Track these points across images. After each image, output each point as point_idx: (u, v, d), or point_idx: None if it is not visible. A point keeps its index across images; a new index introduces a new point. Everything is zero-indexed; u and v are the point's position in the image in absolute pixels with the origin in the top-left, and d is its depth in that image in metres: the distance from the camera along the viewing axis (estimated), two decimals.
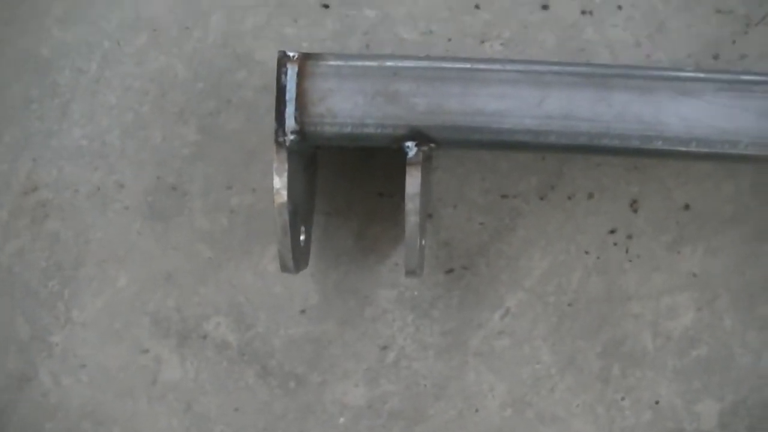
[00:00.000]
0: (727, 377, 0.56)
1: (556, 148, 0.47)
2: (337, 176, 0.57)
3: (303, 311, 0.57)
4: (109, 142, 0.58)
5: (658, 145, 0.46)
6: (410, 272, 0.49)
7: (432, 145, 0.48)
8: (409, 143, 0.48)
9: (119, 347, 0.58)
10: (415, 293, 0.57)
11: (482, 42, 0.56)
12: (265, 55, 0.57)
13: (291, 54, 0.48)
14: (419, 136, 0.47)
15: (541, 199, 0.56)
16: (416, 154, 0.47)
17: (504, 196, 0.56)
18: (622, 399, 0.56)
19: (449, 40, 0.56)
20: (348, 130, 0.48)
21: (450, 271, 0.57)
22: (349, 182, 0.57)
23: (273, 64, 0.48)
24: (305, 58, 0.48)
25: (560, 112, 0.46)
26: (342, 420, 0.57)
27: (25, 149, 0.58)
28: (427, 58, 0.48)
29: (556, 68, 0.47)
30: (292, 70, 0.47)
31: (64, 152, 0.58)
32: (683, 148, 0.46)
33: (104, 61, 0.57)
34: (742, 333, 0.55)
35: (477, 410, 0.57)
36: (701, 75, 0.46)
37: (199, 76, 0.57)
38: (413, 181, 0.47)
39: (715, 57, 0.55)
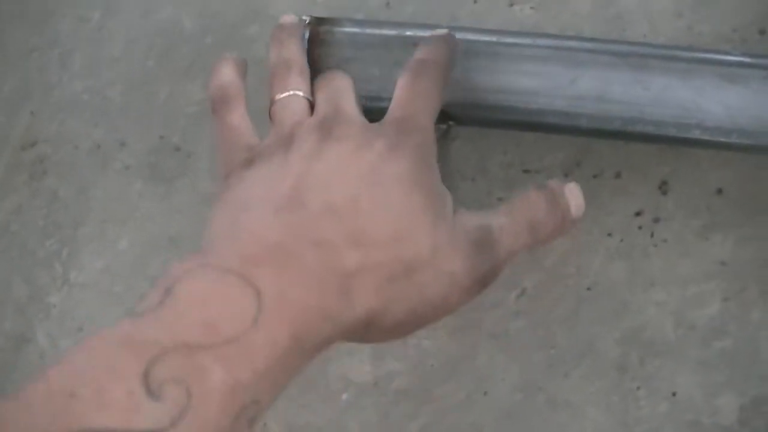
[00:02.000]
0: (751, 372, 0.53)
1: (586, 131, 0.44)
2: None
3: None
4: (110, 97, 0.55)
5: (697, 134, 0.43)
6: None
7: (451, 122, 0.44)
8: None
9: (118, 311, 0.56)
10: None
11: (511, 5, 0.52)
12: (279, 8, 0.54)
13: (303, 18, 0.44)
14: (438, 112, 0.44)
15: (566, 175, 0.53)
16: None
17: (526, 171, 0.53)
18: (638, 388, 0.54)
19: (475, 1, 0.52)
20: (362, 102, 0.44)
21: None
22: None
23: None
24: (318, 24, 0.44)
25: (593, 93, 0.43)
26: (345, 396, 0.56)
27: (24, 101, 0.55)
28: (451, 28, 0.44)
29: (590, 45, 0.43)
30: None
31: (64, 106, 0.55)
32: (723, 139, 0.43)
33: (108, 10, 0.54)
34: None
35: (486, 393, 0.55)
36: (748, 60, 0.42)
37: (208, 29, 0.54)
38: None
39: (762, 32, 0.51)
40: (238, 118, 0.41)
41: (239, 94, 0.42)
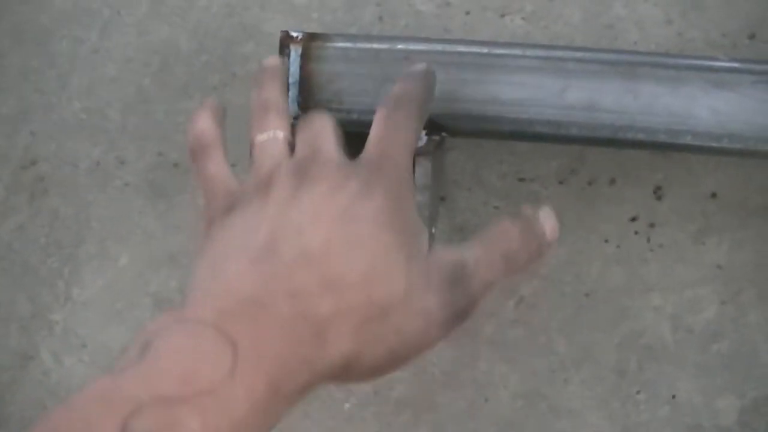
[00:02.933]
0: (750, 374, 0.53)
1: (577, 140, 0.44)
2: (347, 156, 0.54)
3: None
4: (109, 116, 0.55)
5: (687, 140, 0.43)
6: None
7: (443, 134, 0.45)
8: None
9: (121, 328, 0.56)
10: None
11: (503, 16, 0.52)
12: (272, 26, 0.54)
13: (294, 34, 0.45)
14: (430, 124, 0.45)
15: (561, 183, 0.53)
16: (427, 143, 0.45)
17: (521, 180, 0.54)
18: (638, 393, 0.54)
19: (467, 13, 0.52)
20: (355, 116, 0.45)
21: None
22: None
23: None
24: (310, 39, 0.45)
25: (583, 102, 0.43)
26: (347, 406, 0.56)
27: (23, 121, 0.56)
28: (441, 41, 0.45)
29: (579, 55, 0.44)
30: (295, 52, 0.45)
31: (63, 125, 0.55)
32: (715, 144, 0.43)
33: (104, 30, 0.55)
34: (767, 329, 0.53)
35: (487, 400, 0.55)
36: (737, 65, 0.43)
37: (204, 48, 0.55)
38: (423, 172, 0.45)
39: (751, 37, 0.51)
40: (215, 165, 0.41)
41: (216, 141, 0.41)
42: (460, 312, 0.37)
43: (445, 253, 0.38)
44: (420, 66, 0.42)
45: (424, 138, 0.45)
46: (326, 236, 0.35)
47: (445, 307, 0.36)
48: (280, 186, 0.37)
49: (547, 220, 0.40)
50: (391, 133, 0.39)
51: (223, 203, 0.39)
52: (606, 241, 0.54)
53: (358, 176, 0.37)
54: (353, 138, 0.53)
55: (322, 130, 0.40)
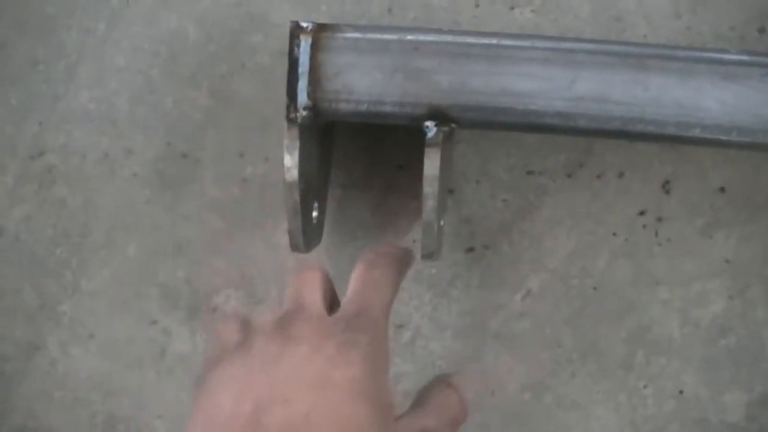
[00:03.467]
0: (757, 368, 0.53)
1: (586, 132, 0.44)
2: (355, 147, 0.54)
3: None
4: (117, 106, 0.55)
5: (696, 132, 0.43)
6: (427, 256, 0.47)
7: (453, 125, 0.45)
8: (429, 123, 0.45)
9: (128, 318, 0.56)
10: (433, 271, 0.55)
11: (512, 8, 0.52)
12: (281, 17, 0.54)
13: (304, 24, 0.45)
14: (440, 115, 0.44)
15: (569, 176, 0.53)
16: (436, 134, 0.45)
17: (530, 173, 0.54)
18: (645, 387, 0.54)
19: (477, 5, 0.52)
20: (364, 107, 0.45)
21: (470, 249, 0.54)
22: (367, 153, 0.54)
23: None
24: (320, 30, 0.45)
25: (592, 94, 0.43)
26: None
27: (31, 112, 0.56)
28: (451, 32, 0.45)
29: (589, 46, 0.43)
30: (305, 42, 0.44)
31: (71, 116, 0.55)
32: (723, 137, 0.43)
33: (112, 20, 0.55)
34: None
35: (493, 393, 0.55)
36: (747, 58, 0.42)
37: (212, 38, 0.54)
38: (432, 164, 0.45)
39: (761, 30, 0.51)
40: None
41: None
42: None
43: (410, 423, 0.41)
44: (399, 246, 0.47)
45: (434, 129, 0.45)
46: (308, 407, 0.37)
47: None
48: (265, 345, 0.40)
49: (464, 389, 0.44)
50: (368, 290, 0.42)
51: (215, 354, 0.42)
52: (614, 234, 0.54)
53: (336, 337, 0.39)
54: (360, 130, 0.54)
55: (311, 285, 0.42)
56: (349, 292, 0.43)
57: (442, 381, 0.44)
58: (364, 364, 0.38)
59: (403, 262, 0.45)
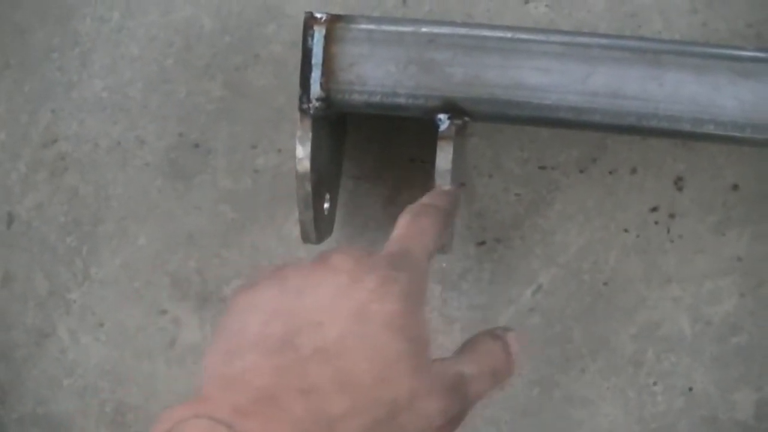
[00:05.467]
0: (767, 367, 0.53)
1: (599, 127, 0.44)
2: (368, 139, 0.54)
3: None
4: (130, 96, 0.55)
5: (711, 129, 0.43)
6: (438, 249, 0.47)
7: (466, 118, 0.45)
8: (442, 116, 0.45)
9: (138, 307, 0.56)
10: (444, 265, 0.55)
11: (526, 2, 0.52)
12: (295, 8, 0.54)
13: (318, 15, 0.45)
14: (453, 108, 0.44)
15: (581, 172, 0.53)
16: (449, 127, 0.45)
17: (542, 168, 0.53)
18: (655, 384, 0.54)
19: None
20: (377, 99, 0.45)
21: (482, 243, 0.54)
22: (379, 146, 0.54)
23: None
24: (334, 21, 0.45)
25: (607, 89, 0.43)
26: None
27: (44, 100, 0.56)
28: (466, 25, 0.45)
29: (604, 41, 0.43)
30: (319, 33, 0.44)
31: (84, 104, 0.56)
32: (738, 134, 0.42)
33: (127, 9, 0.55)
34: None
35: (502, 388, 0.55)
36: (763, 55, 0.42)
37: (227, 28, 0.54)
38: (444, 156, 0.45)
39: None
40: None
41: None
42: (454, 418, 0.39)
43: (447, 364, 0.40)
44: (448, 187, 0.45)
45: (447, 122, 0.45)
46: (342, 333, 0.36)
47: (443, 413, 0.38)
48: (302, 270, 0.39)
49: (514, 344, 0.42)
50: (413, 234, 0.41)
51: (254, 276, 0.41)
52: (626, 230, 0.54)
53: (377, 272, 0.38)
54: (372, 123, 0.53)
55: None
56: (392, 236, 0.41)
57: (488, 331, 0.43)
58: (403, 300, 0.37)
59: (449, 213, 0.44)
